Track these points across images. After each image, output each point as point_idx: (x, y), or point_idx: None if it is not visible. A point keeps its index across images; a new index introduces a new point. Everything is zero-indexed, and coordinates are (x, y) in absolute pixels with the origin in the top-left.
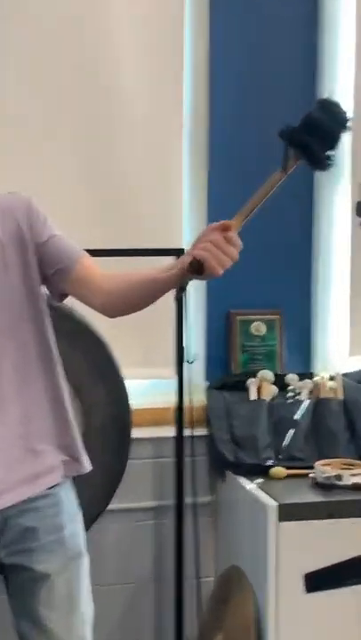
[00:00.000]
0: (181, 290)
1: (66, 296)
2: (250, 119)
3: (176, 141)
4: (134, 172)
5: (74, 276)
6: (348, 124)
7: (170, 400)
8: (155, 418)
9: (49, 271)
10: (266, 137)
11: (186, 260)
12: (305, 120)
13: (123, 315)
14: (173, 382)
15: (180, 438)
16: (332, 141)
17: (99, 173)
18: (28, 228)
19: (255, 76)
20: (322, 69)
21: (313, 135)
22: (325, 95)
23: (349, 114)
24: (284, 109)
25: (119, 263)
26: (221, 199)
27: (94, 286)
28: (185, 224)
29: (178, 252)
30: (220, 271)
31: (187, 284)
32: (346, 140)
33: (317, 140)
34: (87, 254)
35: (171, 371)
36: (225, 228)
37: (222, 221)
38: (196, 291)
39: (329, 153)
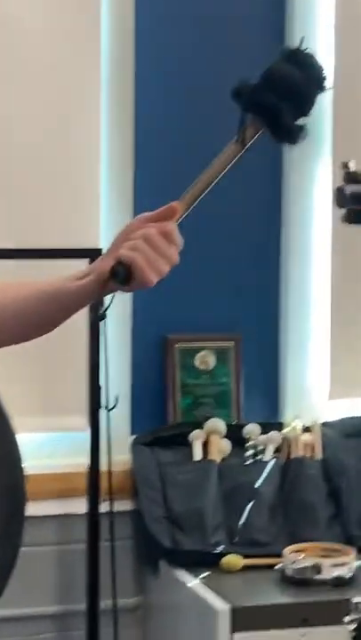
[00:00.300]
0: (98, 307)
1: None
2: (182, 89)
3: (89, 108)
4: (36, 155)
5: None
6: (326, 81)
7: (81, 462)
8: (59, 487)
9: None
10: (204, 106)
11: (106, 263)
12: (267, 75)
13: (17, 342)
14: (86, 436)
15: (94, 515)
16: (305, 104)
17: None
18: None
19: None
20: (292, 15)
21: (279, 95)
22: (295, 44)
23: (328, 69)
24: (234, 64)
25: (16, 269)
26: (152, 182)
27: None
28: (102, 216)
29: (93, 254)
30: (155, 279)
31: (106, 297)
32: (325, 102)
33: (285, 102)
34: None
35: (82, 420)
36: (162, 218)
37: (158, 209)
38: (119, 307)
39: (300, 120)
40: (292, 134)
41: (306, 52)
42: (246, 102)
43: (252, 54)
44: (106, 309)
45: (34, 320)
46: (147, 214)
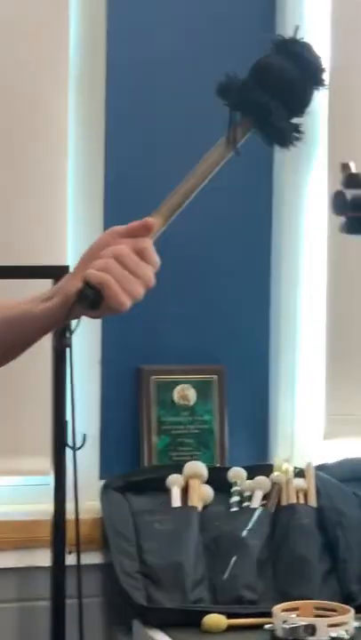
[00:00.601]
0: (64, 333)
1: None
2: (158, 88)
3: (56, 112)
4: None
5: None
6: (324, 75)
7: (44, 509)
8: (20, 536)
9: None
10: (184, 106)
11: (72, 284)
12: (257, 69)
13: None
14: (49, 480)
15: (59, 569)
16: (299, 102)
17: None
18: None
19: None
20: (283, 7)
21: (269, 92)
22: (287, 33)
23: (324, 62)
24: (218, 62)
25: None
26: (124, 193)
27: None
28: (69, 230)
29: (59, 272)
30: (128, 303)
31: (72, 323)
32: (320, 99)
33: (276, 100)
34: None
35: (45, 462)
36: (137, 234)
37: (132, 223)
38: (87, 334)
39: (294, 119)
40: (284, 135)
41: (300, 42)
42: (234, 100)
43: (238, 51)
44: (71, 335)
45: None
46: (119, 228)
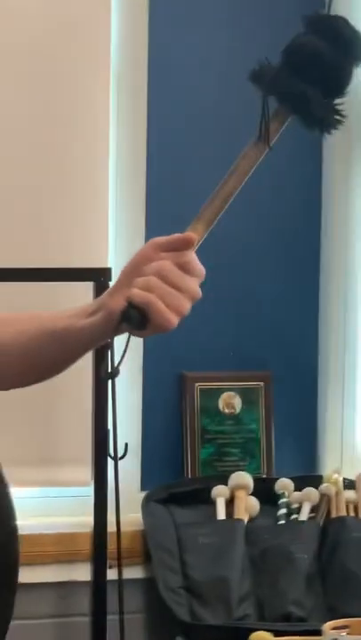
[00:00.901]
0: (106, 359)
1: None
2: (199, 89)
3: (97, 114)
4: (39, 165)
5: None
6: None
7: (83, 521)
8: (59, 550)
9: None
10: (224, 109)
11: (116, 302)
12: (289, 53)
13: (16, 386)
14: (90, 491)
15: (99, 584)
16: (339, 83)
17: None
18: None
19: None
20: None
21: (306, 77)
22: (323, 10)
23: None
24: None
25: (16, 291)
26: (165, 193)
27: None
28: (111, 232)
29: (100, 275)
30: (175, 321)
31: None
32: None
33: (315, 85)
34: None
35: (86, 473)
36: (179, 246)
37: (173, 235)
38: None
39: (335, 102)
40: (325, 121)
41: (334, 16)
42: (267, 89)
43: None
44: (118, 364)
45: (37, 362)
46: (159, 240)
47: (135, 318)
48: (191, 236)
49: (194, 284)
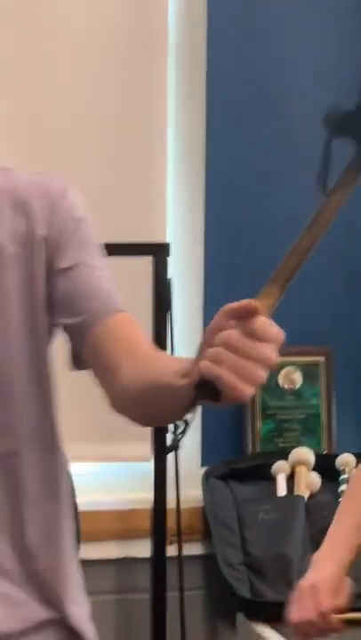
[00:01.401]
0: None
1: (85, 365)
2: (262, 54)
3: (156, 81)
4: (98, 144)
5: (92, 338)
6: None
7: (143, 497)
8: (119, 526)
9: (61, 320)
10: (286, 81)
11: (196, 373)
12: None
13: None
14: (150, 467)
15: (159, 560)
16: None
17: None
18: (47, 237)
19: None
20: None
21: None
22: None
23: None
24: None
25: None
26: (227, 166)
27: (112, 368)
28: (170, 207)
29: (158, 250)
30: (248, 391)
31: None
32: None
33: None
34: (126, 312)
35: (146, 448)
36: (248, 314)
37: (241, 302)
38: (189, 313)
39: None
40: None
41: None
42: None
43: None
44: (180, 438)
45: (152, 411)
46: (230, 307)
47: (208, 393)
48: (254, 306)
49: (266, 351)
